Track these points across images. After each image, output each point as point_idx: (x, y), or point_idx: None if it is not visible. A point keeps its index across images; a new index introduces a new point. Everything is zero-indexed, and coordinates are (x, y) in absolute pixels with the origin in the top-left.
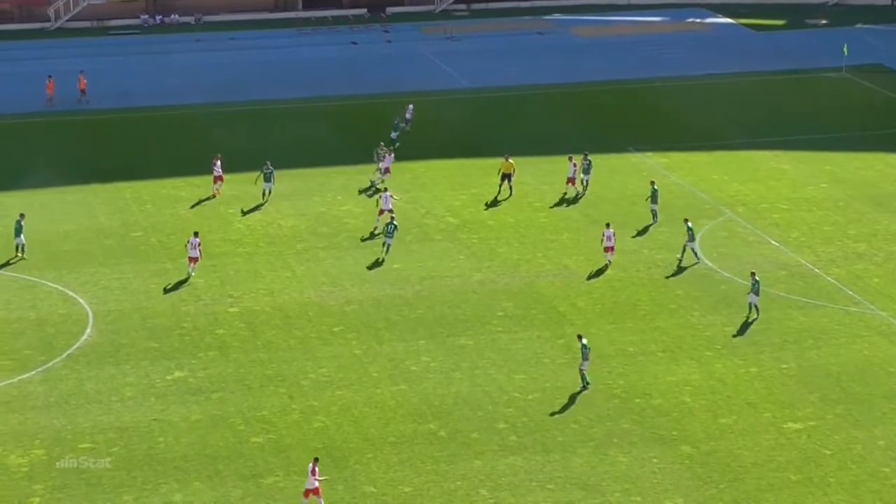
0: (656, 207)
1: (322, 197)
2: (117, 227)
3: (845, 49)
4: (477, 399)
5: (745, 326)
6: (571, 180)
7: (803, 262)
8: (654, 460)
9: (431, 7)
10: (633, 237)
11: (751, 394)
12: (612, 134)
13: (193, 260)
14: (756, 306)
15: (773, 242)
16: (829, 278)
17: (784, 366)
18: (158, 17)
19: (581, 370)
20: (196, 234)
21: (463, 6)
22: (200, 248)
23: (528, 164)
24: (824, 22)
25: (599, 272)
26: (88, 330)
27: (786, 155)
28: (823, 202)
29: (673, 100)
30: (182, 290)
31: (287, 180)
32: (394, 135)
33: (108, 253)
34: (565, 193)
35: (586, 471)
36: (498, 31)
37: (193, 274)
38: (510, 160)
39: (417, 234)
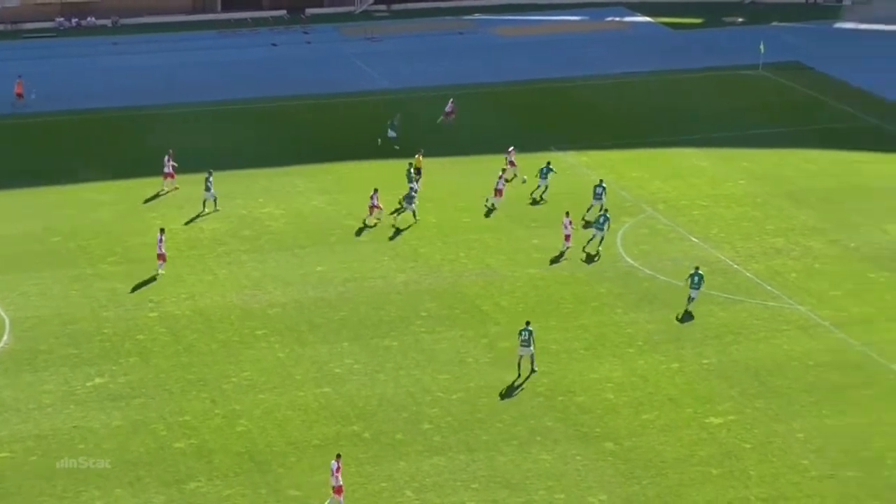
0: (597, 203)
1: (244, 199)
2: (38, 231)
3: (762, 47)
4: (401, 400)
5: (685, 318)
6: (499, 191)
7: (722, 258)
8: (578, 457)
9: (351, 8)
10: (556, 235)
11: (672, 389)
12: (533, 133)
13: (161, 257)
14: (691, 299)
15: (693, 239)
16: (747, 274)
17: (705, 361)
18: (74, 20)
19: (530, 356)
20: (162, 231)
21: (383, 7)
22: (163, 245)
23: (451, 164)
24: (741, 20)
25: (558, 257)
26: (5, 337)
27: (705, 152)
28: (742, 199)
29: (594, 98)
30: (102, 296)
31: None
32: (392, 135)
33: (27, 258)
34: (489, 201)
35: (510, 469)
36: (418, 31)
37: (161, 272)
38: (419, 156)
39: (340, 235)
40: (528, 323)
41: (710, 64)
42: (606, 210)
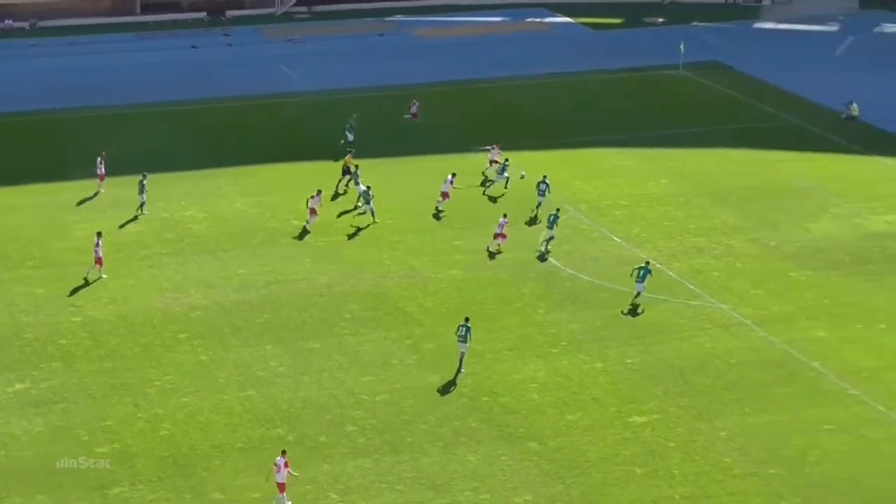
0: (542, 200)
1: (166, 203)
2: None
3: (682, 47)
4: (325, 402)
5: (632, 311)
6: (445, 194)
7: (645, 257)
8: (503, 458)
9: (272, 10)
10: (479, 236)
11: (596, 389)
12: (454, 133)
13: (98, 261)
14: (639, 293)
15: (616, 239)
16: (670, 273)
17: (629, 360)
18: None
19: (460, 354)
20: (99, 235)
21: (304, 9)
22: (100, 248)
23: (374, 166)
24: (661, 20)
25: (492, 255)
26: None
27: (626, 152)
28: (664, 198)
29: (515, 99)
30: (21, 301)
31: (130, 186)
32: (350, 137)
33: None
34: (438, 208)
35: (436, 470)
36: (339, 33)
37: (103, 276)
38: (350, 156)
39: (263, 237)
40: (466, 319)
41: (631, 64)
42: (558, 209)
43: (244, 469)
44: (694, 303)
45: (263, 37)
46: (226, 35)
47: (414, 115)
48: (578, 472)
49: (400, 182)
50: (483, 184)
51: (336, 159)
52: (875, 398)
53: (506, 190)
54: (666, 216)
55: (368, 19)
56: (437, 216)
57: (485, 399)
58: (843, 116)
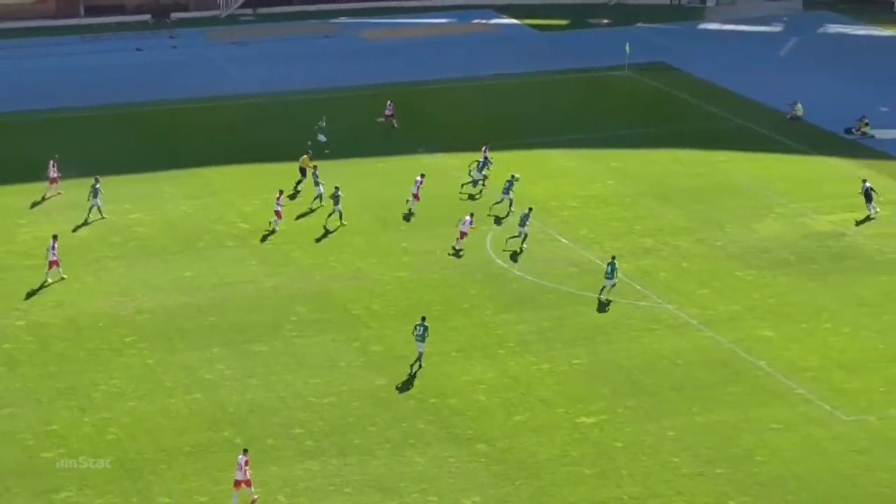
0: (506, 198)
1: (112, 206)
2: None
3: (627, 48)
4: (272, 405)
5: (600, 307)
6: (415, 195)
7: (592, 258)
8: (451, 460)
9: (217, 12)
10: (426, 238)
11: (544, 390)
12: (401, 135)
13: (53, 264)
14: (608, 288)
15: (563, 240)
16: (617, 274)
17: (576, 361)
18: None
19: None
20: (54, 238)
21: (249, 11)
22: (54, 251)
23: (322, 168)
24: (606, 21)
25: (458, 254)
26: None
27: (573, 153)
28: (611, 199)
29: (462, 100)
30: None
31: (76, 189)
32: (322, 138)
33: None
34: (410, 210)
35: (384, 473)
36: (285, 35)
37: (63, 276)
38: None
39: (209, 240)
40: (423, 318)
41: (577, 65)
42: (530, 208)
43: (191, 473)
44: (641, 303)
45: (208, 39)
46: (171, 37)
47: (389, 116)
48: (527, 473)
49: (348, 184)
50: (475, 184)
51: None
52: (820, 397)
53: (482, 187)
54: (613, 217)
55: (314, 21)
56: (407, 218)
57: (433, 401)
58: (788, 116)
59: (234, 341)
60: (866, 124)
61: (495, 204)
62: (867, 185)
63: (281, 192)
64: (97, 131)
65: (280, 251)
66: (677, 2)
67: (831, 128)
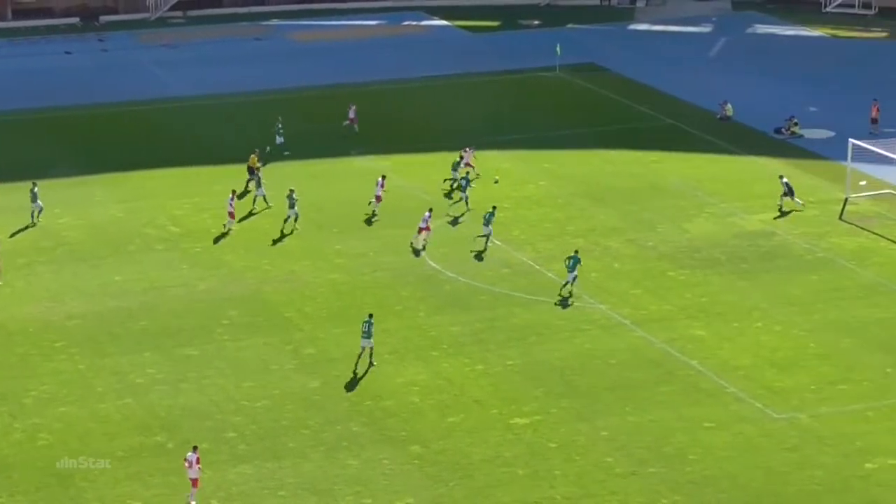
0: (463, 196)
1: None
2: None
3: (558, 49)
4: (205, 409)
5: (562, 302)
6: (377, 198)
7: (525, 259)
8: (385, 461)
9: (147, 15)
10: (358, 240)
11: (477, 391)
12: (333, 138)
13: None
14: (571, 281)
15: (496, 241)
16: (550, 274)
17: (509, 362)
18: None
19: (368, 348)
20: None
21: (179, 13)
22: None
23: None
24: (537, 23)
25: (417, 253)
26: None
27: (505, 154)
28: (543, 200)
29: (393, 102)
30: None
31: (3, 194)
32: (280, 140)
33: None
34: (374, 212)
35: (318, 476)
36: (216, 37)
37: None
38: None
39: (139, 244)
40: (370, 315)
41: (508, 66)
42: (494, 207)
43: (124, 478)
44: (573, 303)
45: (139, 42)
46: (100, 40)
47: (352, 120)
48: (461, 474)
49: (280, 187)
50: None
51: (264, 164)
52: (752, 395)
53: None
54: (546, 218)
55: (244, 23)
56: (369, 221)
57: (367, 403)
58: (718, 116)
59: (166, 345)
60: (795, 124)
61: (453, 203)
62: (785, 180)
63: (233, 191)
64: (26, 135)
65: (211, 254)
66: (607, 3)
67: (761, 128)
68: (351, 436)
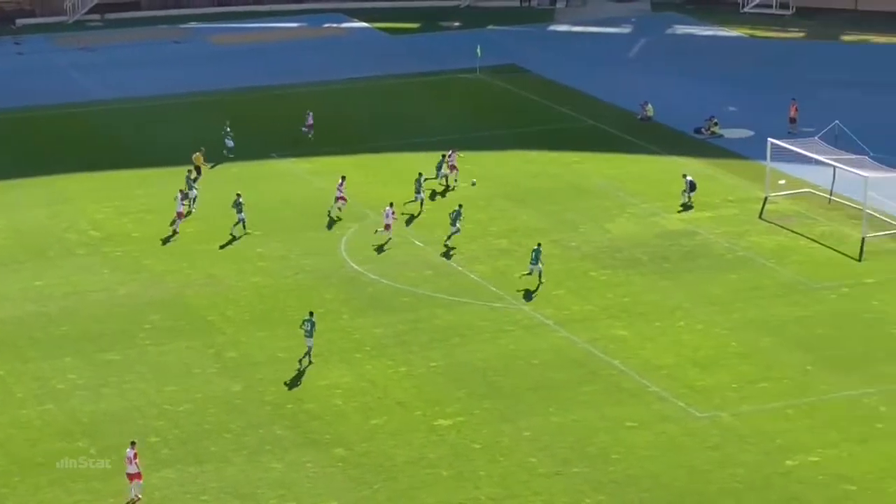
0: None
1: None
2: None
3: (478, 50)
4: (127, 414)
5: (526, 295)
6: (341, 198)
7: (447, 260)
8: (309, 465)
9: (64, 18)
10: (280, 243)
11: (401, 393)
12: (253, 140)
13: None
14: (538, 273)
15: (418, 243)
16: (472, 276)
17: (433, 364)
18: None
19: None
20: None
21: (97, 16)
22: None
23: (169, 175)
24: (457, 24)
25: (381, 249)
26: None
27: (427, 156)
28: (465, 201)
29: (314, 104)
30: None
31: None
32: (229, 143)
33: None
34: (340, 209)
35: (241, 479)
36: (134, 40)
37: None
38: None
39: (59, 249)
40: (311, 314)
41: (429, 68)
42: (461, 205)
43: (45, 485)
44: (496, 304)
45: (56, 45)
46: (16, 43)
47: (310, 126)
48: (385, 476)
49: (202, 191)
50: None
51: (213, 165)
52: (674, 395)
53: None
54: (468, 219)
55: (163, 26)
56: (329, 225)
57: (289, 406)
58: (639, 117)
59: (87, 350)
60: (715, 124)
61: (408, 202)
62: (689, 178)
63: (181, 191)
64: None
65: (132, 259)
66: (527, 4)
67: (681, 128)
68: (274, 439)
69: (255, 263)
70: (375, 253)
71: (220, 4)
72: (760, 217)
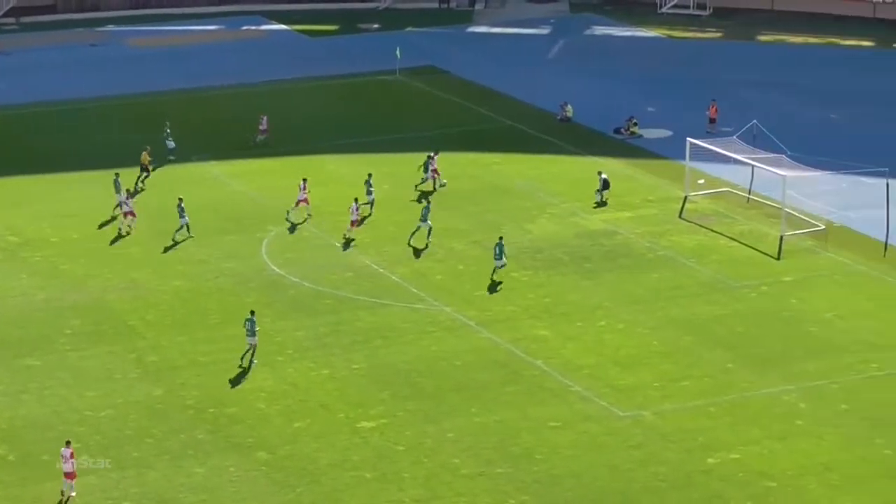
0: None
1: None
2: None
3: (398, 52)
4: (47, 420)
5: (490, 288)
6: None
7: (369, 262)
8: (231, 469)
9: None
10: (201, 246)
11: (324, 396)
12: (175, 143)
13: None
14: (498, 268)
15: (339, 245)
16: (394, 277)
17: (355, 366)
18: None
19: (252, 347)
20: None
21: (12, 20)
22: None
23: (90, 179)
24: (376, 26)
25: (347, 245)
26: None
27: (347, 158)
28: (386, 203)
29: (233, 108)
30: None
31: None
32: (171, 145)
33: None
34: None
35: (163, 484)
36: (51, 43)
37: None
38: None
39: None
40: (252, 313)
41: (349, 70)
42: (429, 202)
43: None
44: (418, 306)
45: None
46: None
47: (263, 131)
48: (309, 479)
49: (111, 195)
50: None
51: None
52: (597, 394)
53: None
54: (389, 221)
55: (80, 29)
56: (292, 229)
57: (211, 410)
58: (558, 118)
59: (5, 356)
60: (635, 124)
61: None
62: (604, 176)
63: (127, 190)
64: None
65: (50, 263)
66: (446, 6)
67: (601, 128)
68: (196, 444)
69: (175, 268)
70: (297, 255)
71: (137, 7)
72: (680, 216)
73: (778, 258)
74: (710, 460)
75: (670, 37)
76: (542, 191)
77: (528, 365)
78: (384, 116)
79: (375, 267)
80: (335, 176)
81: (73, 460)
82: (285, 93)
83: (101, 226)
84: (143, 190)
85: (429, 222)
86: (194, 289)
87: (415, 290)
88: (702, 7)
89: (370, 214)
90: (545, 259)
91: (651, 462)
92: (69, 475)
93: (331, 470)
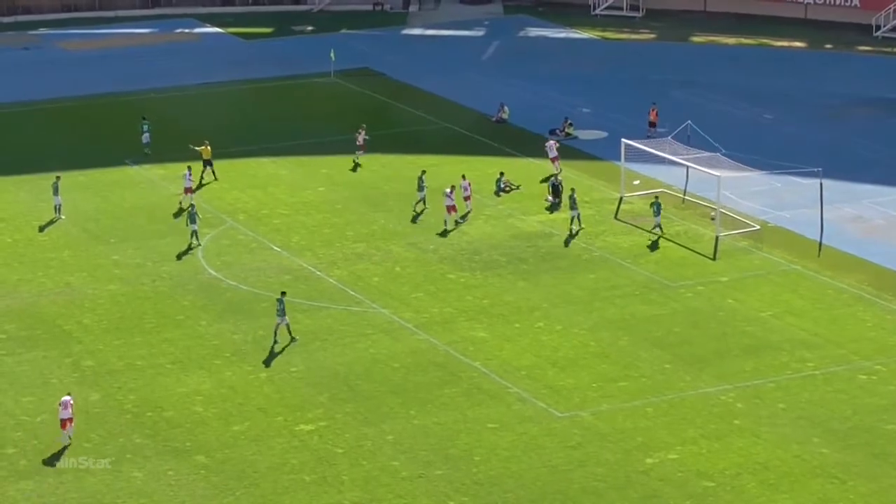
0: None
1: None
2: None
3: (332, 54)
4: None
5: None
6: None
7: (305, 265)
8: (170, 473)
9: None
10: (136, 250)
11: (262, 399)
12: (107, 147)
13: None
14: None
15: (275, 248)
16: (331, 280)
17: (293, 369)
18: None
19: (286, 326)
20: None
21: None
22: None
23: (22, 182)
24: (310, 28)
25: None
26: None
27: (282, 160)
28: (321, 205)
29: (168, 111)
30: None
31: None
32: (146, 138)
33: None
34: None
35: (101, 489)
36: None
37: None
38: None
39: None
40: (283, 293)
41: (283, 73)
42: (573, 190)
43: None
44: (355, 308)
45: None
46: None
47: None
48: (247, 482)
49: (49, 198)
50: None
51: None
52: (535, 395)
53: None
54: (325, 223)
55: (11, 32)
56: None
57: (149, 414)
58: (494, 119)
59: None
60: (570, 125)
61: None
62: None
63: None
64: None
65: None
66: (380, 8)
67: (537, 129)
68: (134, 448)
69: (111, 271)
70: (233, 258)
71: (68, 10)
72: (616, 217)
73: (713, 258)
74: (648, 460)
75: (604, 38)
76: (477, 192)
77: (466, 367)
78: (319, 119)
79: (311, 269)
80: (271, 179)
81: (72, 407)
82: (220, 95)
83: (41, 228)
84: (208, 182)
85: (577, 210)
86: (130, 292)
87: (352, 293)
88: (635, 9)
89: (425, 209)
90: (482, 261)
91: (590, 462)
92: (66, 421)
93: (270, 473)
